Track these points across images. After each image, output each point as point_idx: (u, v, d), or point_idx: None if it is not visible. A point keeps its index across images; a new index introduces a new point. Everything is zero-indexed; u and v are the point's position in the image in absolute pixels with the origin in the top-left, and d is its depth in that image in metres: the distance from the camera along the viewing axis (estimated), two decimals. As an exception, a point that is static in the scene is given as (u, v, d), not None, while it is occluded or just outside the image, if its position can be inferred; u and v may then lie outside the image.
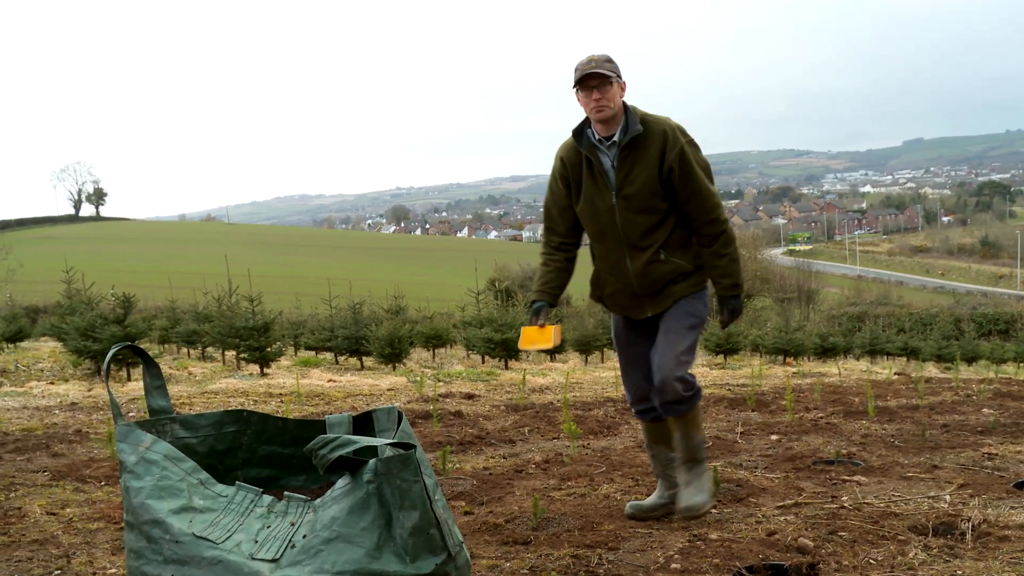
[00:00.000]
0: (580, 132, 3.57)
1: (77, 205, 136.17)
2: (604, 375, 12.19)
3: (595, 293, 3.87)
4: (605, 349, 18.70)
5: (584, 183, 3.59)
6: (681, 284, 3.62)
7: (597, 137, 3.53)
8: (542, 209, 3.87)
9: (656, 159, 3.45)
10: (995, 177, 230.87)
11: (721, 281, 3.62)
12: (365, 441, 1.97)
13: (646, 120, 3.50)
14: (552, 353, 17.29)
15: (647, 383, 3.71)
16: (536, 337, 3.64)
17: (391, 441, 2.01)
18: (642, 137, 3.46)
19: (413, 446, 1.99)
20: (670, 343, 3.56)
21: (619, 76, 3.46)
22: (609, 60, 3.45)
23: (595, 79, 3.41)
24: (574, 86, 3.45)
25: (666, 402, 3.56)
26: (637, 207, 3.51)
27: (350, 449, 1.95)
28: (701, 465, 3.74)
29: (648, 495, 4.23)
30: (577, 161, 3.61)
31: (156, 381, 2.42)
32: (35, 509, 3.88)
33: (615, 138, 3.49)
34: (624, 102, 3.53)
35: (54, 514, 3.84)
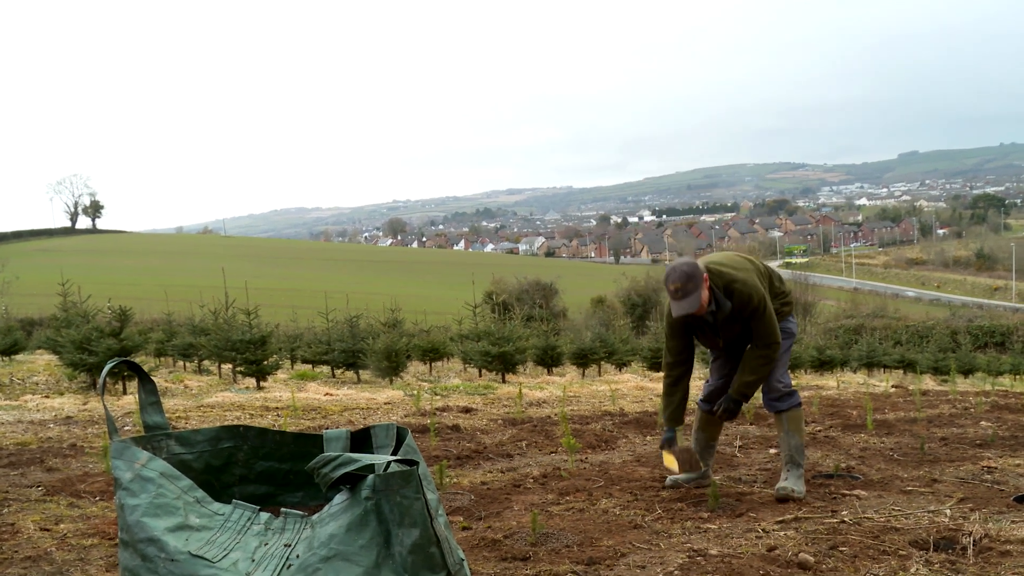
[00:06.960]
0: None
1: (74, 218, 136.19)
2: (601, 388, 12.15)
3: None
4: (603, 363, 18.67)
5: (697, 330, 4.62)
6: None
7: None
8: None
9: (738, 316, 4.43)
10: (990, 190, 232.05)
11: (740, 380, 4.48)
12: (368, 459, 1.94)
13: (728, 290, 4.37)
14: (549, 365, 17.29)
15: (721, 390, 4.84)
16: (668, 460, 4.68)
17: (395, 458, 1.98)
18: (727, 307, 4.39)
19: (416, 462, 1.97)
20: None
21: (698, 285, 4.23)
22: (689, 278, 4.21)
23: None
24: None
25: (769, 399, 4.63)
26: (732, 338, 4.59)
27: (354, 467, 1.92)
28: (799, 468, 4.57)
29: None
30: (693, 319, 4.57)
31: (151, 397, 2.39)
32: (28, 525, 3.85)
33: (711, 308, 4.41)
34: (707, 275, 4.34)
35: (48, 530, 3.80)
